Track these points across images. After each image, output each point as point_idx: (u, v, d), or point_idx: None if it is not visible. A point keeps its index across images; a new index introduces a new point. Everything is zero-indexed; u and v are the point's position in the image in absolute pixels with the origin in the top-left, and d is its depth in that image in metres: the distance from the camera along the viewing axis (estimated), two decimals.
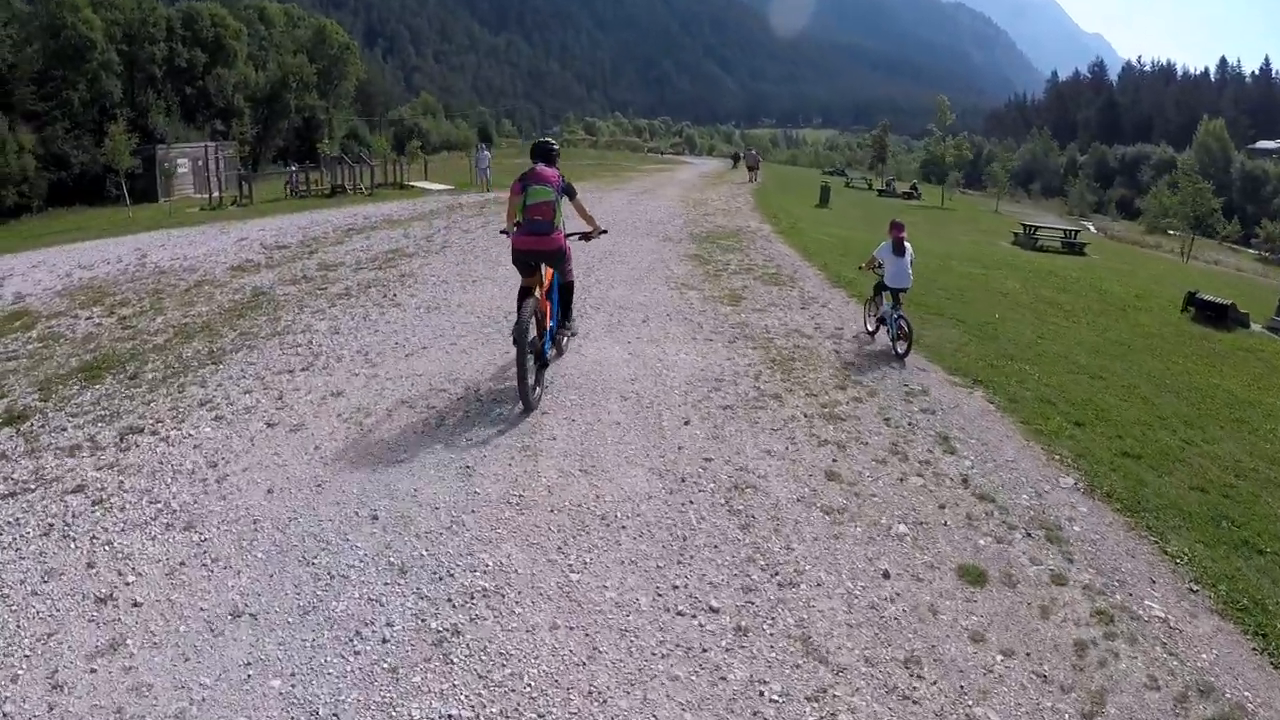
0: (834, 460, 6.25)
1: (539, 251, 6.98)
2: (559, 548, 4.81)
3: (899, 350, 9.04)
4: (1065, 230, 28.67)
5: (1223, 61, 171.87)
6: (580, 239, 7.79)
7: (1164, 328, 14.22)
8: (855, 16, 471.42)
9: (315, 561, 4.58)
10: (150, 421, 6.52)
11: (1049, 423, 7.48)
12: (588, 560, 4.71)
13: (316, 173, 34.32)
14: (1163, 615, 4.54)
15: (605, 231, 8.36)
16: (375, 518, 5.01)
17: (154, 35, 60.41)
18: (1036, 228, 28.52)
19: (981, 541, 5.23)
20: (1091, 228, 42.73)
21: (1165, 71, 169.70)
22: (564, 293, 7.61)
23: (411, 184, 33.39)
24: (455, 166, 51.97)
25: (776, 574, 4.71)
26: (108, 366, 7.94)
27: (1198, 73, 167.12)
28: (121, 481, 5.52)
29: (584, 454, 6.03)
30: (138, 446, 6.07)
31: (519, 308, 6.78)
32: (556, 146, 7.51)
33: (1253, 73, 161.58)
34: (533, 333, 6.70)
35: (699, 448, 6.27)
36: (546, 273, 7.19)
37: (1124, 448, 7.17)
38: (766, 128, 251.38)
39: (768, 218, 22.67)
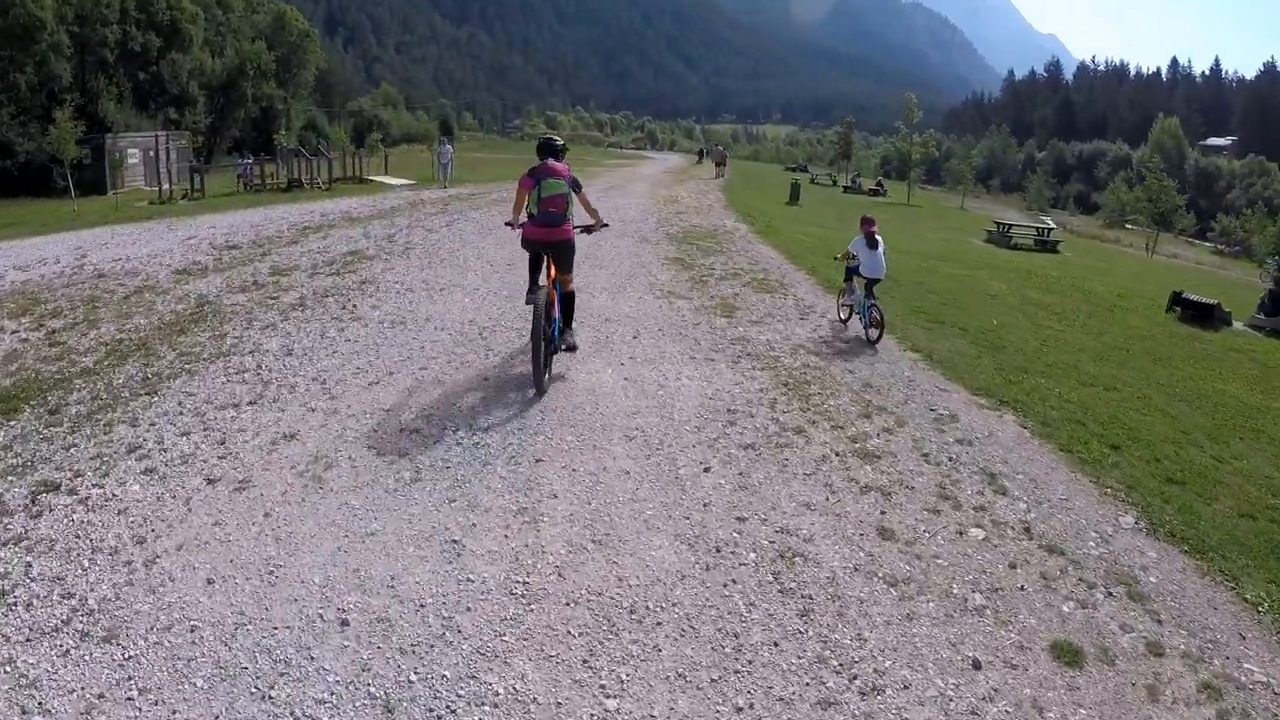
0: (882, 512, 5.26)
1: (551, 242, 7.14)
2: (585, 660, 3.70)
3: (870, 337, 9.33)
4: (1038, 228, 28.21)
5: (1174, 62, 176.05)
6: (583, 231, 7.77)
7: (1154, 329, 13.84)
8: (818, 13, 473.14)
9: (273, 696, 3.41)
10: (69, 475, 5.26)
11: (1087, 449, 6.83)
12: (624, 677, 3.61)
13: (272, 165, 32.71)
14: (1265, 679, 4.03)
15: (607, 225, 8.46)
16: (345, 623, 3.84)
17: (107, 17, 56.07)
18: (1010, 226, 27.98)
19: (1065, 608, 4.47)
20: (1051, 223, 42.45)
21: (1119, 71, 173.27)
22: (565, 302, 7.56)
23: (371, 178, 31.93)
24: (416, 160, 50.26)
25: (855, 677, 3.72)
26: (27, 396, 6.59)
27: (1150, 72, 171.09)
28: (29, 564, 4.29)
29: (594, 517, 4.92)
30: (52, 511, 4.82)
31: (534, 278, 7.12)
32: (562, 142, 7.82)
33: (1203, 73, 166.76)
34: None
35: (727, 503, 5.21)
36: (549, 266, 7.20)
37: (1165, 472, 6.68)
38: (727, 123, 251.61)
39: (743, 216, 21.66)
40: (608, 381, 7.28)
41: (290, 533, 4.64)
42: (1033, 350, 10.43)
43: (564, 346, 7.53)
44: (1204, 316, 15.01)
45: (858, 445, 6.30)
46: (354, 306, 9.70)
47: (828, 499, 5.40)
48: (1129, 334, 12.93)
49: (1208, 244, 54.40)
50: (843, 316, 10.12)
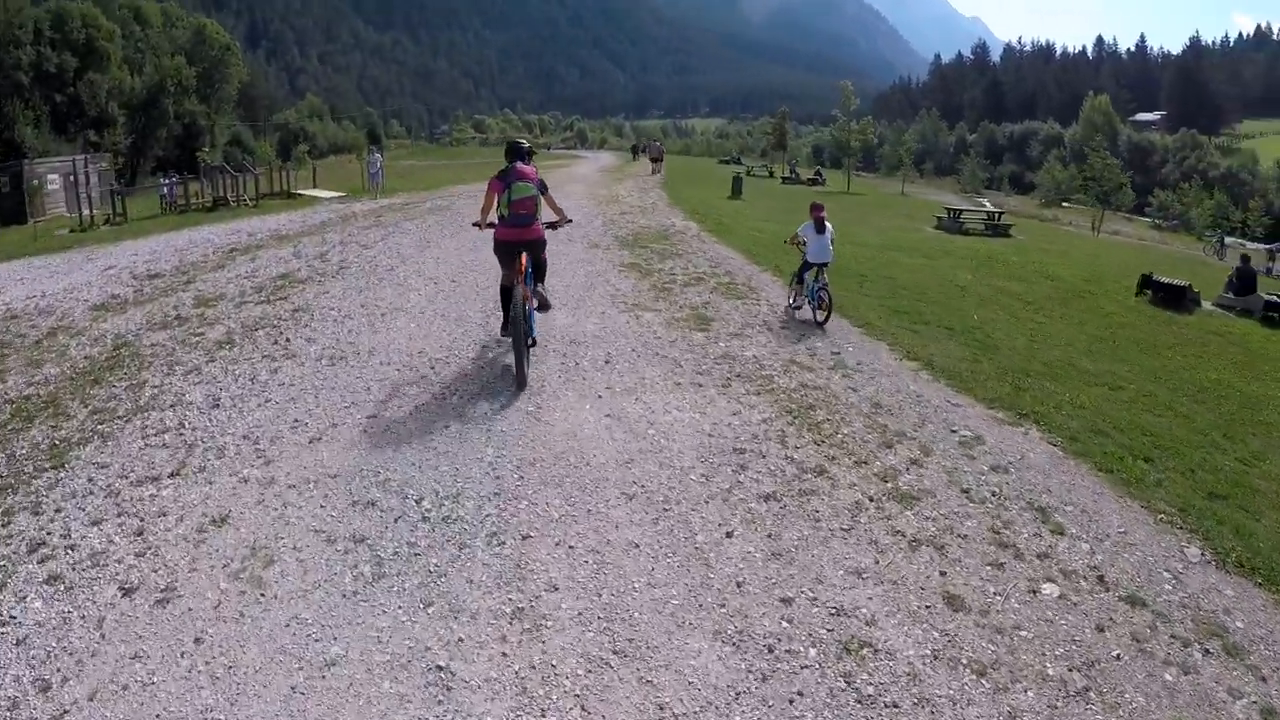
0: (942, 573, 4.39)
1: (523, 241, 7.31)
2: None
3: (819, 319, 9.57)
4: (988, 213, 27.94)
5: (1099, 40, 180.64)
6: (548, 228, 7.79)
7: (1129, 314, 13.53)
8: (743, 5, 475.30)
9: None
10: None
11: (1123, 465, 6.24)
12: None
13: (196, 184, 30.86)
14: None
15: (571, 220, 8.76)
16: None
17: (19, 38, 52.33)
18: (960, 211, 27.61)
19: (1168, 676, 3.86)
20: (988, 204, 42.67)
21: (1045, 51, 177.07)
22: (538, 267, 7.78)
23: (300, 192, 30.22)
24: (345, 171, 47.92)
25: None
26: None
27: (1076, 51, 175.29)
28: None
29: (609, 615, 3.91)
30: None
31: (505, 305, 7.33)
32: (528, 145, 7.97)
33: (1128, 49, 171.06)
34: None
35: (764, 579, 4.25)
36: (523, 260, 7.35)
37: (1205, 486, 6.20)
38: (656, 119, 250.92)
39: (689, 214, 20.66)
40: (588, 421, 6.25)
41: (229, 667, 3.56)
42: (1025, 348, 9.90)
43: (539, 305, 7.87)
44: (1175, 299, 14.88)
45: (889, 485, 5.43)
46: (287, 341, 8.49)
47: (877, 561, 4.50)
48: (1108, 322, 12.57)
49: (1146, 219, 55.29)
50: (795, 304, 10.21)
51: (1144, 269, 17.02)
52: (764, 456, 5.73)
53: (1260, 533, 5.47)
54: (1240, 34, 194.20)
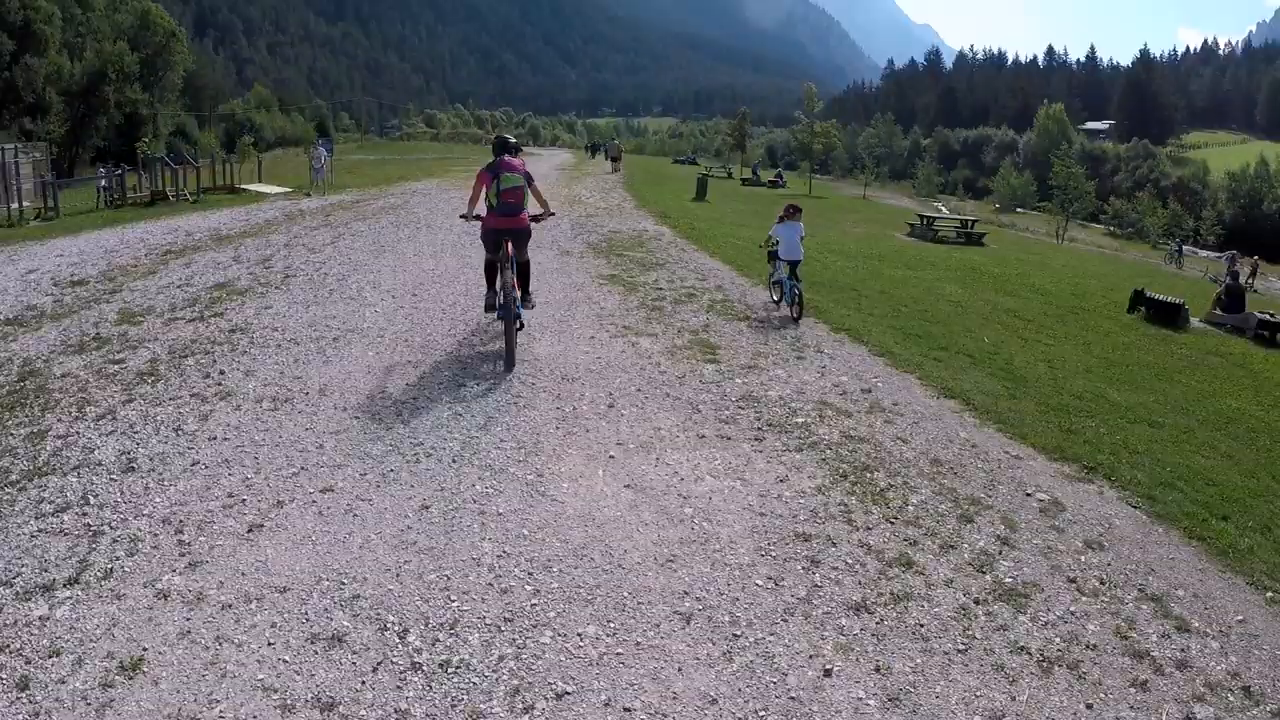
0: (1089, 706, 3.43)
1: (511, 230, 7.49)
2: None
3: (794, 315, 9.82)
4: (961, 221, 27.23)
5: (1050, 50, 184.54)
6: (533, 220, 7.88)
7: (1129, 333, 12.86)
8: (695, 6, 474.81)
9: None
10: None
11: (1207, 528, 5.51)
12: None
13: (135, 176, 28.70)
14: None
15: (554, 214, 8.85)
16: None
17: None
18: (933, 219, 26.86)
19: None
20: (944, 209, 42.44)
21: (997, 59, 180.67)
22: (522, 270, 7.87)
23: (244, 187, 28.23)
24: (292, 165, 45.46)
25: None
26: None
27: (1028, 60, 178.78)
28: None
29: None
30: None
31: (490, 280, 7.86)
32: (515, 140, 8.23)
33: (1078, 60, 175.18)
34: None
35: None
36: (508, 247, 7.39)
37: None
38: (608, 117, 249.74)
39: (659, 217, 19.34)
40: (605, 496, 4.94)
41: None
42: (1048, 378, 9.05)
43: (529, 306, 8.21)
44: (1170, 316, 14.44)
45: (989, 578, 4.29)
46: (221, 374, 7.02)
47: (1013, 698, 3.40)
48: (1113, 342, 11.89)
49: (1100, 226, 55.67)
50: (775, 298, 10.56)
51: (1118, 280, 16.77)
52: (834, 545, 4.54)
53: None
54: (1188, 48, 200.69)
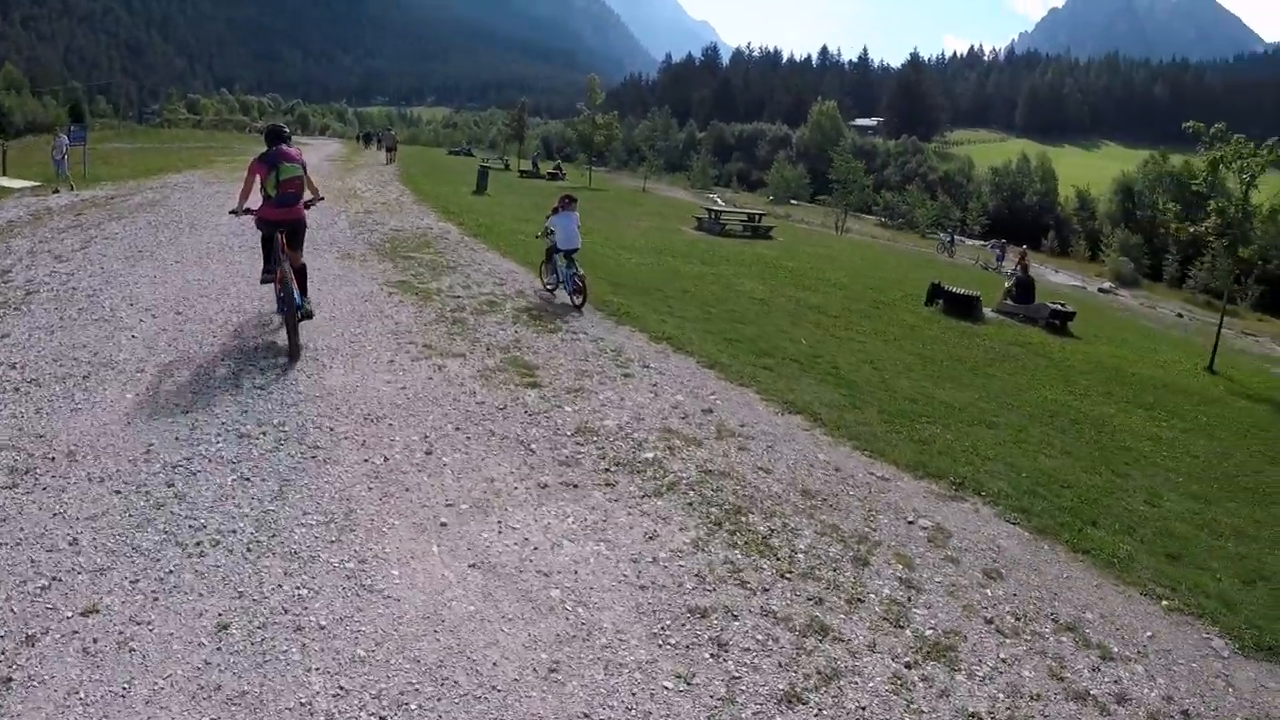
0: None
1: (288, 221, 7.54)
2: None
3: (576, 302, 10.06)
4: (749, 215, 27.84)
5: (824, 50, 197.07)
6: (306, 206, 7.95)
7: (931, 326, 13.59)
8: None
9: None
10: None
11: (1085, 538, 5.74)
12: None
13: None
14: None
15: (323, 198, 8.92)
16: None
17: None
18: (720, 213, 27.29)
19: None
20: (720, 201, 43.76)
21: (773, 57, 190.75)
22: (299, 275, 7.76)
23: None
24: (44, 154, 39.37)
25: None
26: None
27: (802, 59, 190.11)
28: None
29: None
30: None
31: (267, 253, 7.69)
32: (288, 130, 8.26)
33: (850, 60, 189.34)
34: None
35: None
36: (282, 239, 7.42)
37: (1156, 546, 5.87)
38: (380, 105, 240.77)
39: (442, 212, 18.04)
40: (448, 582, 4.04)
41: None
42: (876, 380, 9.15)
43: (302, 316, 7.67)
44: (966, 308, 15.33)
45: (909, 632, 4.02)
46: None
47: None
48: (919, 336, 12.44)
49: (872, 217, 59.48)
50: (549, 286, 10.81)
51: (904, 271, 17.96)
52: (735, 617, 3.95)
53: (1245, 599, 5.19)
54: (955, 53, 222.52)
